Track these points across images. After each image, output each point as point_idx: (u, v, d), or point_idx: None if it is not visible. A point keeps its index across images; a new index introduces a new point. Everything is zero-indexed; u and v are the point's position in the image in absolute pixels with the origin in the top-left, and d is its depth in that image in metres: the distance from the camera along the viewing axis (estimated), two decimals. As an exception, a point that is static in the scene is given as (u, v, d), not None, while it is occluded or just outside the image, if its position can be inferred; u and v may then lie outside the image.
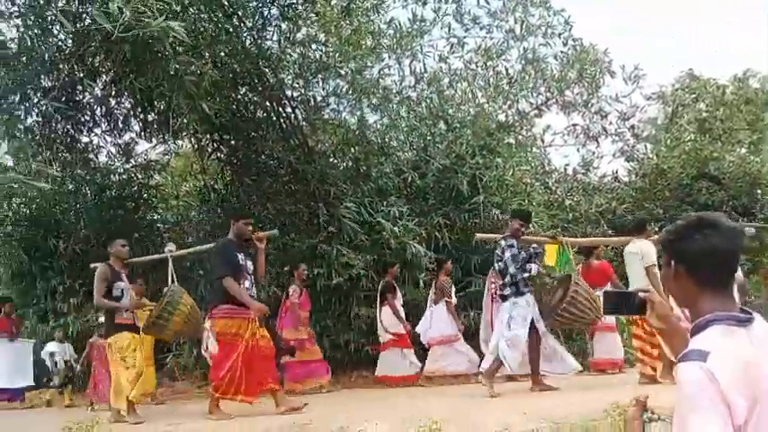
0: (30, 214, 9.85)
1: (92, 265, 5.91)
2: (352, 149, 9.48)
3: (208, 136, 8.86)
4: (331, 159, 9.42)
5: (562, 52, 10.45)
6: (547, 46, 10.35)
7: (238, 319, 5.01)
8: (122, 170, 10.06)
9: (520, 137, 11.36)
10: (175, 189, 11.28)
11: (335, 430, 4.13)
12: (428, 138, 9.68)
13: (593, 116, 11.59)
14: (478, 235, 6.95)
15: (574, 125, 11.95)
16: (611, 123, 11.91)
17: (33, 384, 8.46)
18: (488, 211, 8.73)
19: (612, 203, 11.51)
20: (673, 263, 1.39)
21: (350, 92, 8.94)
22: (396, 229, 7.99)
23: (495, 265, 6.04)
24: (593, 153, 12.42)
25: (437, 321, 7.50)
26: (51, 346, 8.43)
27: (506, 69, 10.56)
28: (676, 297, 1.44)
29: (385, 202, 8.51)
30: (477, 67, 10.65)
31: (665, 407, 2.80)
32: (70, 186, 9.66)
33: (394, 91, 9.79)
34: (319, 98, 9.16)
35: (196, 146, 9.06)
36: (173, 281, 5.72)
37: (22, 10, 6.42)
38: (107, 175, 9.92)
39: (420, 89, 10.13)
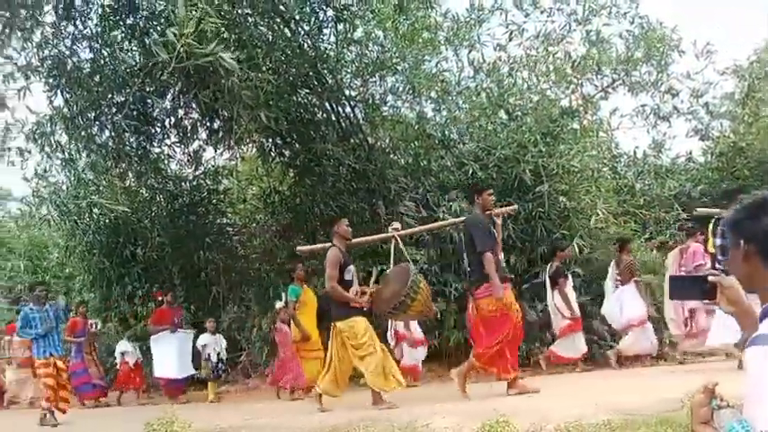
0: (109, 223, 10.50)
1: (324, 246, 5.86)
2: (412, 144, 9.61)
3: (270, 140, 9.18)
4: (391, 156, 9.58)
5: (628, 31, 10.16)
6: (612, 26, 10.08)
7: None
8: (192, 177, 10.56)
9: (585, 122, 11.12)
10: (242, 193, 11.75)
11: (404, 423, 4.20)
12: (489, 128, 9.65)
13: (664, 95, 11.21)
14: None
15: (642, 106, 11.60)
16: (682, 102, 11.49)
17: (195, 374, 8.52)
18: (554, 199, 8.63)
19: (687, 185, 11.08)
20: (742, 243, 1.36)
21: (408, 87, 9.04)
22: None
23: None
24: (665, 134, 12.01)
25: (630, 302, 7.36)
26: (204, 338, 8.30)
27: (569, 53, 10.36)
28: (743, 280, 1.42)
29: (446, 196, 8.56)
30: (537, 53, 10.51)
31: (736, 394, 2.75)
32: (145, 194, 10.20)
33: (452, 83, 9.82)
34: (377, 96, 9.31)
35: (259, 150, 9.41)
36: (395, 261, 5.82)
37: (93, 32, 6.88)
38: (178, 182, 10.45)
39: (479, 80, 10.10)
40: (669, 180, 10.92)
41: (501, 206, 6.41)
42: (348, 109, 9.09)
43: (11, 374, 9.40)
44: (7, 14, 6.90)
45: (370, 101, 9.25)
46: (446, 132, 9.86)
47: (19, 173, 8.77)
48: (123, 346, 9.03)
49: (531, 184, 8.66)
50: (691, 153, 12.55)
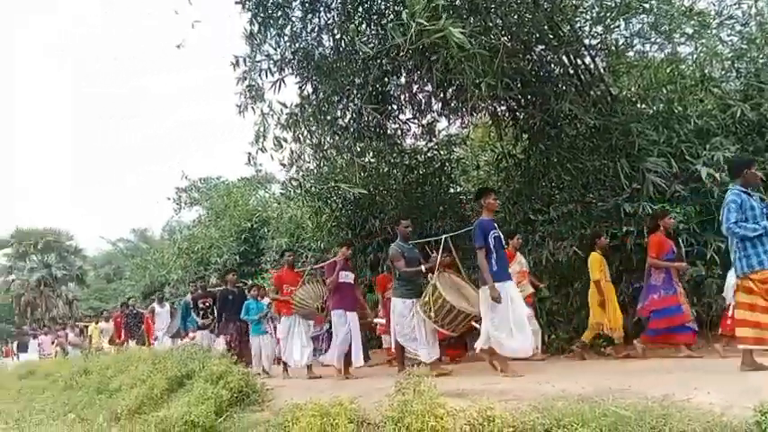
0: (353, 199, 11.77)
1: None
2: (663, 90, 9.05)
3: (503, 104, 9.38)
4: (638, 106, 9.13)
5: None
6: None
7: None
8: (426, 149, 11.29)
9: None
10: (475, 160, 12.19)
11: (658, 397, 4.19)
12: (760, 61, 8.60)
13: None
14: None
15: None
16: None
17: None
18: None
19: None
20: None
21: (657, 27, 8.46)
22: (718, 175, 7.40)
23: None
24: None
25: None
26: None
27: None
28: None
29: (707, 145, 7.93)
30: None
31: None
32: (384, 169, 11.18)
33: (712, 14, 8.91)
34: (621, 42, 8.89)
35: (492, 116, 9.68)
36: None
37: (335, 21, 7.75)
38: (413, 156, 11.32)
39: (747, 5, 9.01)
40: None
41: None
42: (588, 59, 8.93)
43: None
44: (263, 14, 8.14)
45: (613, 48, 8.87)
46: (705, 72, 9.04)
47: (279, 158, 10.25)
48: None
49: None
50: None
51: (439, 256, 7.07)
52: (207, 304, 11.26)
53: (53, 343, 22.55)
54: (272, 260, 15.66)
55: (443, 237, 7.29)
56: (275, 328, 10.15)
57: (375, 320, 9.56)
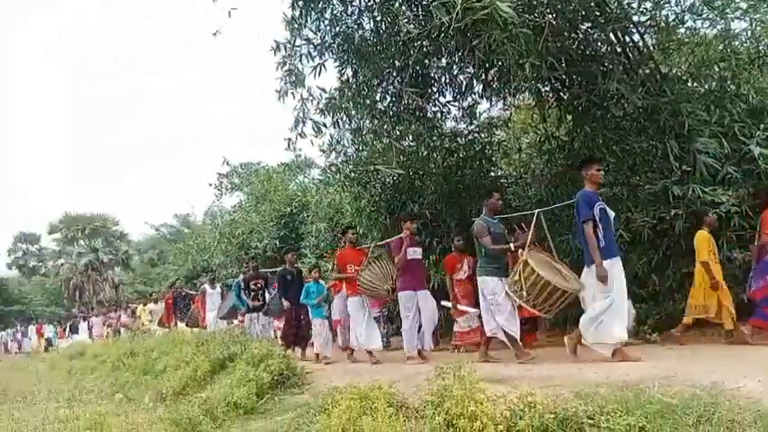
0: (392, 183, 11.74)
1: None
2: (715, 68, 8.75)
3: (547, 85, 9.21)
4: (688, 85, 8.85)
5: None
6: None
7: None
8: (467, 132, 11.18)
9: None
10: (517, 142, 12.02)
11: (707, 385, 4.11)
12: (822, 36, 8.25)
13: None
14: None
15: None
16: None
17: None
18: None
19: None
20: None
21: (710, 2, 8.17)
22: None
23: None
24: None
25: None
26: None
27: None
28: None
29: (761, 125, 7.68)
30: None
31: None
32: (424, 153, 11.13)
33: (769, -14, 8.57)
34: (672, 17, 8.62)
35: (536, 97, 9.52)
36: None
37: (375, 3, 7.70)
38: (453, 138, 11.21)
39: (805, -23, 8.62)
40: None
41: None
42: (636, 37, 8.70)
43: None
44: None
45: (663, 24, 8.60)
46: (760, 47, 8.70)
47: (318, 143, 10.30)
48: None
49: None
50: None
51: (530, 233, 6.60)
52: (258, 285, 11.16)
53: (104, 324, 23.33)
54: (310, 245, 15.79)
55: (536, 211, 6.85)
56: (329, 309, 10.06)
57: (443, 303, 8.97)
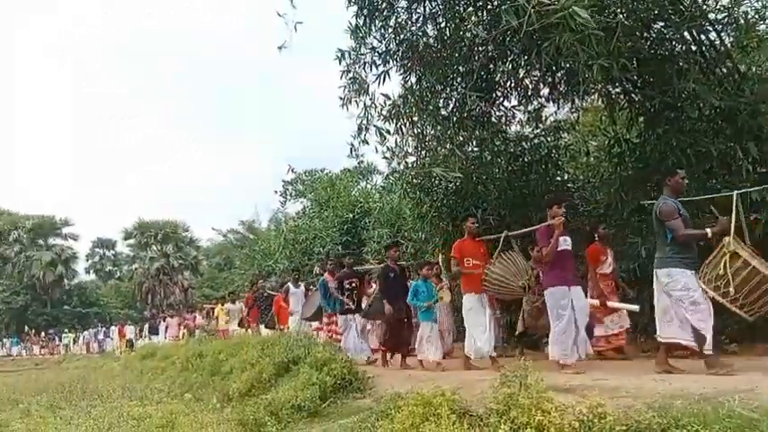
0: (454, 188, 11.65)
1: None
2: (800, 65, 8.31)
3: (618, 86, 8.97)
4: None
5: None
6: None
7: None
8: (532, 136, 11.01)
9: None
10: (584, 146, 11.74)
11: None
12: None
13: None
14: None
15: None
16: None
17: None
18: None
19: None
20: None
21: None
22: None
23: None
24: None
25: None
26: None
27: None
28: None
29: None
30: None
31: None
32: (488, 158, 11.02)
33: None
34: (751, 14, 8.26)
35: (605, 99, 9.28)
36: None
37: (439, 9, 7.73)
38: (518, 143, 11.05)
39: None
40: None
41: None
42: (713, 35, 8.35)
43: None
44: (369, 7, 8.27)
45: (742, 22, 8.24)
46: None
47: (382, 150, 10.37)
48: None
49: None
50: None
51: (734, 217, 5.65)
52: (353, 285, 10.42)
53: (179, 325, 24.08)
54: (372, 251, 15.90)
55: (734, 193, 5.92)
56: None
57: (589, 301, 7.62)
